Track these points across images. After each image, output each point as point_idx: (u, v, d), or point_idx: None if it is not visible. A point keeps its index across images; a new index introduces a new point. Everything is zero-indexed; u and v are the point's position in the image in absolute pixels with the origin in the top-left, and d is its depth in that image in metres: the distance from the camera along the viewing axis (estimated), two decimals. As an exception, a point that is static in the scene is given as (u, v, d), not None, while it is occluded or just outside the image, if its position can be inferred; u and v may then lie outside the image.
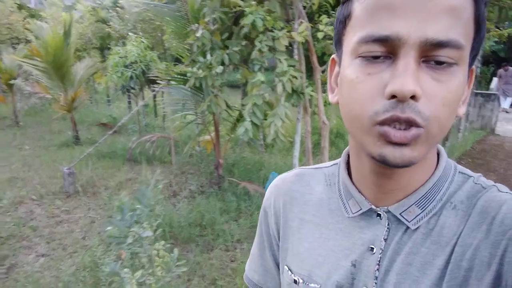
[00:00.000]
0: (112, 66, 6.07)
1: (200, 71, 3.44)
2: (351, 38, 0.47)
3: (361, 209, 0.56)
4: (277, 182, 0.70)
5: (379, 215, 0.54)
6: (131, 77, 5.94)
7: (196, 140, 4.92)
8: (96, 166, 5.67)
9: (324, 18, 2.90)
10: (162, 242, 2.48)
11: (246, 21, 2.81)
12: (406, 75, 0.42)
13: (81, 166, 5.47)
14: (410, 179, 0.52)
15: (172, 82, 4.64)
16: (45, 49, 6.78)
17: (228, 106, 3.92)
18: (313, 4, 2.80)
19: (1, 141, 7.59)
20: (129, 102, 10.21)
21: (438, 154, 0.56)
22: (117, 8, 8.78)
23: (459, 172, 0.55)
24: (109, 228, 2.06)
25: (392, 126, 0.43)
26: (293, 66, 2.90)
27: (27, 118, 9.93)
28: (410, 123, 0.43)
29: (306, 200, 0.64)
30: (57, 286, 2.91)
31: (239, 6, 3.08)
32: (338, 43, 0.53)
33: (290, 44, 3.16)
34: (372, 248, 0.53)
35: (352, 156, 0.58)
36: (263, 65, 2.97)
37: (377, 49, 0.44)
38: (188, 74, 3.53)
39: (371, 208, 0.55)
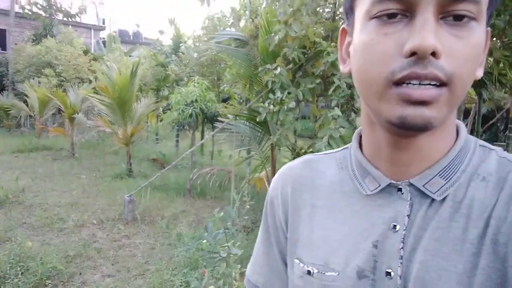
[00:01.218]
0: (174, 104, 6.44)
1: (272, 106, 3.61)
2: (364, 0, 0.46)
3: (379, 185, 0.52)
4: (284, 171, 0.65)
5: (400, 190, 0.50)
6: (191, 115, 6.26)
7: (253, 175, 5.01)
8: (151, 197, 5.84)
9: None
10: (238, 266, 2.49)
11: (329, 58, 2.98)
12: (425, 30, 0.40)
13: (138, 196, 5.66)
14: (431, 148, 0.49)
15: (233, 118, 4.86)
16: (112, 87, 7.36)
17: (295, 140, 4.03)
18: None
19: (60, 170, 8.04)
20: (177, 141, 10.66)
21: (457, 128, 0.53)
22: (178, 53, 9.48)
23: (479, 145, 0.52)
24: (201, 241, 2.11)
25: (410, 85, 0.41)
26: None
27: (82, 150, 10.52)
28: (431, 80, 0.41)
29: (317, 186, 0.59)
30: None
31: (317, 47, 3.28)
32: (350, 10, 0.51)
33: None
34: (395, 226, 0.49)
35: (365, 132, 0.55)
36: (340, 101, 3.09)
37: (393, 6, 0.42)
38: (260, 109, 3.71)
39: (390, 183, 0.51)
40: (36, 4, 18.96)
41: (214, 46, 4.99)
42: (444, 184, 0.48)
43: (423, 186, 0.49)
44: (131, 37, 25.27)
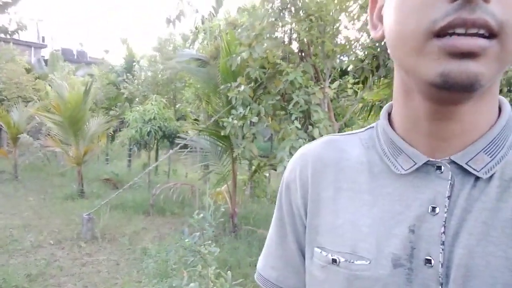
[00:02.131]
0: (132, 121, 6.48)
1: (235, 121, 3.90)
2: None
3: (415, 163, 0.47)
4: (303, 151, 0.60)
5: (439, 168, 0.46)
6: (149, 133, 6.34)
7: (215, 189, 5.21)
8: (109, 216, 5.76)
9: (350, 79, 3.49)
10: (213, 267, 2.68)
11: (289, 77, 3.35)
12: None
13: (95, 215, 5.56)
14: (474, 121, 0.44)
15: (195, 135, 5.07)
16: (64, 105, 7.20)
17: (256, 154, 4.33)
18: (342, 66, 3.41)
19: (3, 193, 7.57)
20: (129, 161, 10.49)
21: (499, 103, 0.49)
22: (133, 72, 9.49)
23: None
24: (184, 239, 2.29)
25: (454, 36, 0.37)
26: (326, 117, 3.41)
27: (25, 173, 9.93)
28: (480, 27, 0.37)
29: (342, 167, 0.54)
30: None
31: (278, 67, 3.66)
32: None
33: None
34: (434, 208, 0.44)
35: (399, 104, 0.50)
36: (298, 115, 3.46)
37: None
38: (225, 124, 3.98)
39: (428, 161, 0.46)
40: (-32, 19, 17.79)
41: (177, 65, 5.20)
42: (490, 161, 0.44)
43: (466, 163, 0.44)
44: (75, 56, 24.39)
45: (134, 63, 9.71)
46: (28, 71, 13.03)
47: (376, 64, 3.84)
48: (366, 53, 3.70)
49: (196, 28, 5.72)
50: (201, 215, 2.39)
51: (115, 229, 5.28)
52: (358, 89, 4.31)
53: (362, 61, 3.79)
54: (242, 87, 3.76)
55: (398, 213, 0.46)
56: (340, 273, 0.48)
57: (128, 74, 9.21)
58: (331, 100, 4.26)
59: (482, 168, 0.44)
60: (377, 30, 0.51)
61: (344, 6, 3.54)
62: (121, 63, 10.25)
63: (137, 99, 9.96)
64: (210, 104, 4.94)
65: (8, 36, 20.28)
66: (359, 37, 3.84)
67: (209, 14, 7.28)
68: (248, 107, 3.89)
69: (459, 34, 0.37)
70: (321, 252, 0.51)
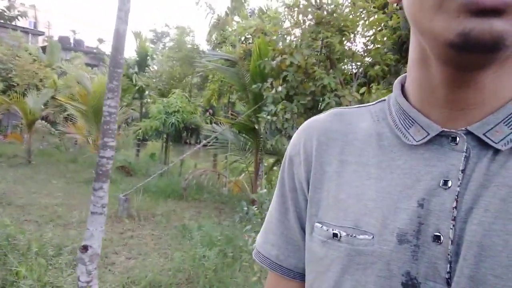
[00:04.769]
0: (156, 113, 7.01)
1: (269, 117, 4.52)
2: None
3: (428, 134, 0.43)
4: (309, 124, 0.57)
5: (453, 140, 0.42)
6: (173, 124, 6.89)
7: (238, 178, 5.82)
8: (142, 199, 6.31)
9: (375, 86, 4.14)
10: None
11: (323, 82, 3.98)
12: None
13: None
14: (496, 89, 0.40)
15: (216, 128, 5.66)
16: (88, 95, 7.66)
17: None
18: (369, 72, 4.06)
19: (25, 176, 7.97)
20: (138, 150, 10.96)
21: None
22: (148, 66, 9.96)
23: None
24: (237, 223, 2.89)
25: None
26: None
27: (37, 158, 10.28)
28: None
29: (349, 140, 0.51)
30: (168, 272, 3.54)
31: (310, 71, 4.29)
32: None
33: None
34: (446, 182, 0.41)
35: (415, 72, 0.46)
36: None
37: None
38: (259, 119, 4.60)
39: (442, 131, 0.43)
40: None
41: (209, 64, 5.76)
42: (510, 133, 0.40)
43: (483, 134, 0.41)
44: (72, 44, 24.43)
45: (147, 57, 10.17)
46: (34, 60, 13.29)
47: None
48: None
49: (222, 31, 6.29)
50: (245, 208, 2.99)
51: (148, 210, 5.83)
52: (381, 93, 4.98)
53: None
54: (280, 88, 4.38)
55: (407, 187, 0.43)
56: (341, 248, 0.46)
57: (140, 66, 9.67)
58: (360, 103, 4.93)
59: (501, 140, 0.40)
60: None
61: (370, 20, 4.19)
62: (133, 56, 10.67)
63: (147, 92, 10.45)
64: (235, 100, 5.52)
65: (8, 22, 20.24)
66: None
67: (224, 14, 7.86)
68: (279, 105, 4.50)
69: None
70: (321, 227, 0.49)
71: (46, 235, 4.12)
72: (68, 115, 8.50)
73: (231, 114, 6.46)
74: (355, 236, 0.45)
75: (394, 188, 0.44)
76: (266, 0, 12.22)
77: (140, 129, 7.41)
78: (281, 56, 4.37)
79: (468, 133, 0.41)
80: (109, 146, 2.42)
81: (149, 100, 9.78)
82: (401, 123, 0.47)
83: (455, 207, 0.40)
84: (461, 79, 0.40)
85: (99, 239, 2.34)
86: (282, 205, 0.57)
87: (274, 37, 4.75)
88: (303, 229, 0.54)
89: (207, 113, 8.63)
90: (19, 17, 19.00)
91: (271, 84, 4.57)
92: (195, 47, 8.28)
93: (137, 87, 10.03)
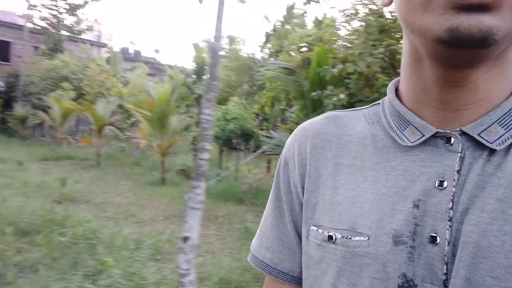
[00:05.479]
0: (216, 120, 7.37)
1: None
2: None
3: (423, 135, 0.44)
4: (303, 126, 0.57)
5: (448, 140, 0.42)
6: (232, 131, 7.20)
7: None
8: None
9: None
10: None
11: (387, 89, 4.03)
12: None
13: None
14: (489, 89, 0.41)
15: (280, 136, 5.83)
16: (153, 103, 8.22)
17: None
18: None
19: (96, 177, 8.71)
20: (195, 155, 11.48)
21: None
22: (201, 76, 10.52)
23: None
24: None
25: None
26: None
27: (104, 161, 11.16)
28: None
29: (343, 143, 0.51)
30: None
31: (371, 79, 4.35)
32: None
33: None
34: (442, 182, 0.41)
35: (408, 73, 0.46)
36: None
37: None
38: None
39: (437, 132, 0.43)
40: (44, 19, 19.72)
41: (268, 72, 5.99)
42: (504, 134, 0.41)
43: (478, 134, 0.41)
44: (132, 55, 26.14)
45: (204, 66, 10.69)
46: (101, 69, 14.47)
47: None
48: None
49: (281, 39, 6.49)
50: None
51: (210, 211, 6.15)
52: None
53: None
54: (341, 95, 4.48)
55: (403, 188, 0.43)
56: (337, 251, 0.46)
57: (198, 75, 10.20)
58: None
59: (496, 140, 0.41)
60: None
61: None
62: (192, 66, 11.29)
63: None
64: (293, 107, 5.66)
65: (76, 36, 22.08)
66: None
67: (279, 22, 8.07)
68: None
69: None
70: (317, 230, 0.49)
71: (124, 231, 4.55)
72: (133, 121, 9.18)
73: (282, 121, 6.63)
74: (350, 238, 0.45)
75: (389, 189, 0.44)
76: (322, 8, 12.28)
77: (197, 134, 7.83)
78: (344, 64, 4.46)
79: (463, 133, 0.42)
80: (206, 149, 2.70)
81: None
82: (396, 125, 0.47)
83: (451, 208, 0.40)
84: (454, 78, 0.41)
85: (196, 231, 2.62)
86: (277, 209, 0.57)
87: (333, 45, 4.86)
88: (298, 233, 0.54)
89: (258, 119, 8.88)
90: (86, 31, 20.69)
91: (332, 91, 4.68)
92: (251, 56, 8.60)
93: (194, 95, 10.53)
